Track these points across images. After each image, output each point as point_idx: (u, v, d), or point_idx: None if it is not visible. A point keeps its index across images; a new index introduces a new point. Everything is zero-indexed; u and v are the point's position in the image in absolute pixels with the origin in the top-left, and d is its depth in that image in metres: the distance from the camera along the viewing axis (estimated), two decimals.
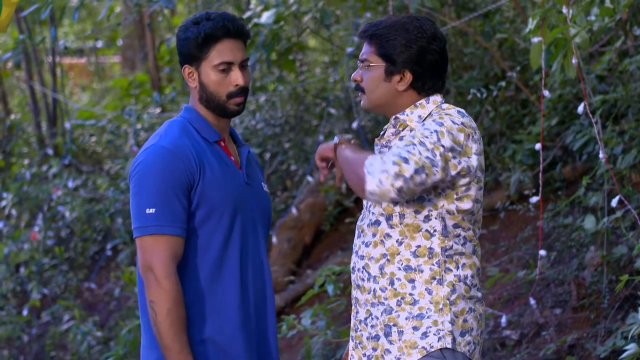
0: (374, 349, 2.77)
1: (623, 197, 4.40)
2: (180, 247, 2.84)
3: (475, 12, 6.44)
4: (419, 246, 2.73)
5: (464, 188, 2.71)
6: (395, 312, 2.73)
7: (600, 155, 4.40)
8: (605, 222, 4.59)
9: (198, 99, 2.99)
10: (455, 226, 2.74)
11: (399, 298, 2.73)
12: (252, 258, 2.98)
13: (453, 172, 2.65)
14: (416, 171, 2.52)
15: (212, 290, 2.89)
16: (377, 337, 2.77)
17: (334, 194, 7.31)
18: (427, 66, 2.79)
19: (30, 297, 9.08)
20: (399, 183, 2.50)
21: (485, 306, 3.54)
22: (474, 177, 2.72)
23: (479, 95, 6.11)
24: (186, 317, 2.84)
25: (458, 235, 2.75)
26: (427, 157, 2.56)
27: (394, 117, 2.83)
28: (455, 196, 2.71)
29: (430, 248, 2.72)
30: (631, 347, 3.72)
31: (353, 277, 2.86)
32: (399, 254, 2.74)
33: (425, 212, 2.71)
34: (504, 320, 4.86)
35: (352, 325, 2.88)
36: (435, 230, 2.72)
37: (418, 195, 2.69)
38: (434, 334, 2.70)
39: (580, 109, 4.38)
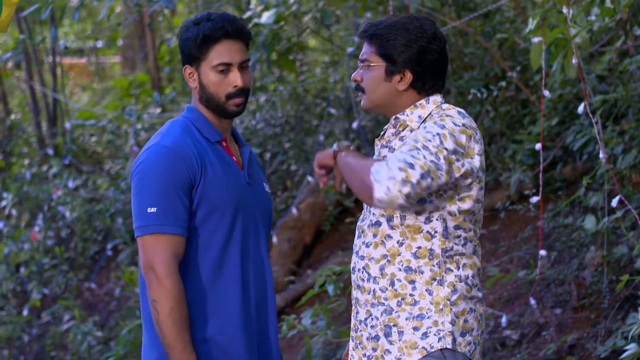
0: (374, 349, 2.77)
1: (623, 197, 4.40)
2: (181, 246, 2.84)
3: (476, 12, 6.44)
4: (419, 247, 2.73)
5: (465, 189, 2.71)
6: (396, 312, 2.73)
7: (601, 155, 4.40)
8: (605, 222, 4.58)
9: (198, 99, 2.99)
10: (456, 227, 2.74)
11: (400, 299, 2.73)
12: (253, 258, 2.98)
13: (457, 175, 2.65)
14: (422, 176, 2.53)
15: (213, 289, 2.89)
16: (377, 338, 2.77)
17: (334, 194, 7.31)
18: (427, 66, 2.79)
19: (31, 297, 9.07)
20: (406, 189, 2.50)
21: (486, 306, 3.55)
22: (476, 177, 2.72)
23: (479, 95, 6.12)
24: (188, 315, 2.84)
25: (459, 236, 2.75)
26: (432, 161, 2.56)
27: (394, 117, 2.83)
28: (456, 197, 2.71)
29: (430, 249, 2.72)
30: (631, 347, 3.72)
31: (353, 277, 2.86)
32: (399, 254, 2.74)
33: (426, 214, 2.71)
34: (504, 320, 4.86)
35: (352, 325, 2.88)
36: (436, 232, 2.72)
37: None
38: (434, 334, 2.70)
39: (581, 109, 4.38)
